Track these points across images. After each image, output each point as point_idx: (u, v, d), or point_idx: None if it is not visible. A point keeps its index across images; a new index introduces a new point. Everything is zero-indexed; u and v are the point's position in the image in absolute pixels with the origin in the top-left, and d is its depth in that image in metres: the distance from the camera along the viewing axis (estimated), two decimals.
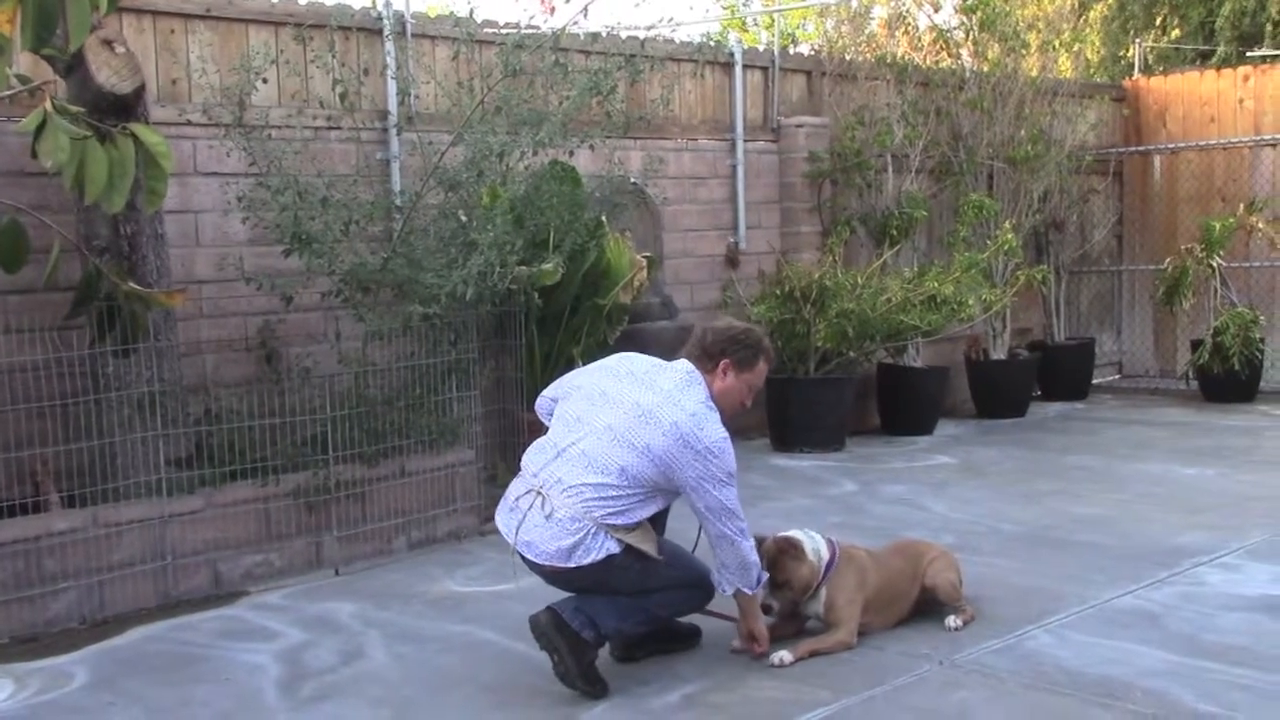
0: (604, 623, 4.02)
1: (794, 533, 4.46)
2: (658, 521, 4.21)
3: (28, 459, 5.16)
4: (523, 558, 4.04)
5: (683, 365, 4.20)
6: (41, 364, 5.10)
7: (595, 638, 4.02)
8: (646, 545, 4.02)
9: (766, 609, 4.39)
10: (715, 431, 4.03)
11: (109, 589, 5.06)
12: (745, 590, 4.18)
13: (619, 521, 3.97)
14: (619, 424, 4.00)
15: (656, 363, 4.25)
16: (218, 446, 5.55)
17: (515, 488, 4.14)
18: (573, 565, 3.95)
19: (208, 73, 6.23)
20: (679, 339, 7.96)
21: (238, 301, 6.35)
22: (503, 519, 4.14)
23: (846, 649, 4.34)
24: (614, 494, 3.96)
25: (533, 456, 4.15)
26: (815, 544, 4.43)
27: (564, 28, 6.92)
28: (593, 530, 3.94)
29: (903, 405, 8.96)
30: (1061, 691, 3.95)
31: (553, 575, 4.06)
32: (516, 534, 4.03)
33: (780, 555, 4.36)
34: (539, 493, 4.01)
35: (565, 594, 4.11)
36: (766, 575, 4.27)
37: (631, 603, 4.07)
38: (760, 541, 4.38)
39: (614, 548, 3.96)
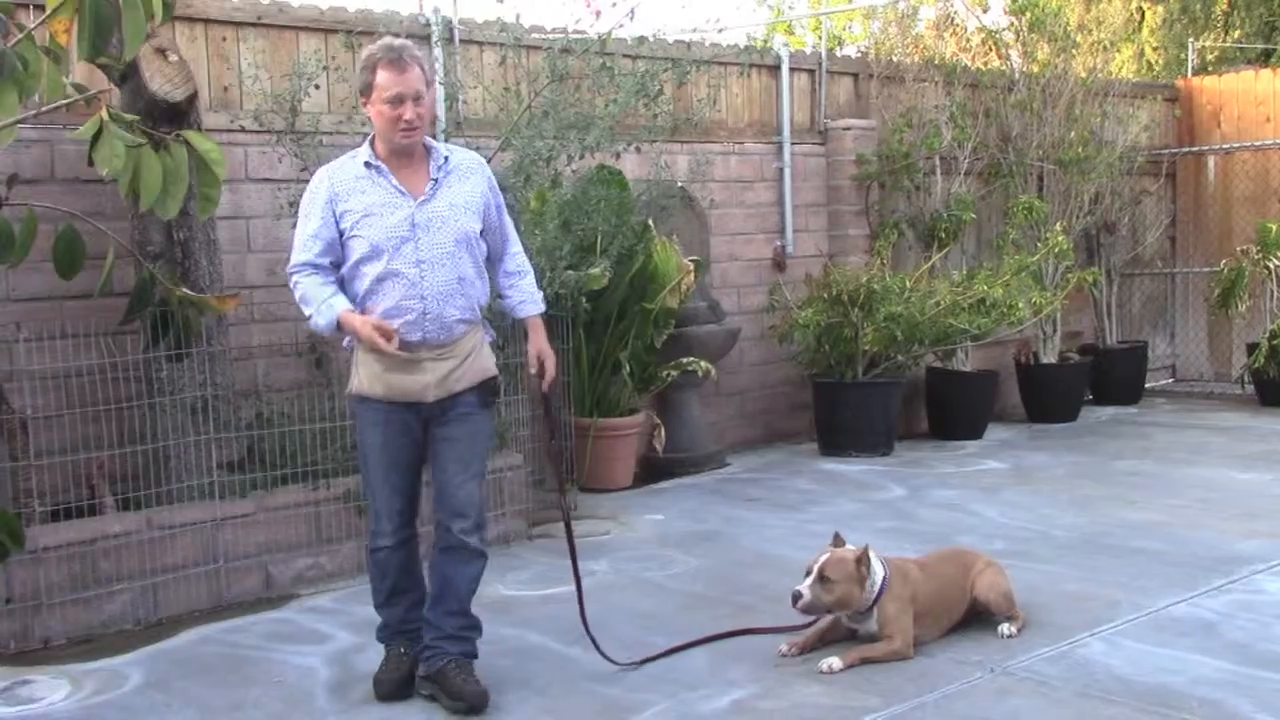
0: None
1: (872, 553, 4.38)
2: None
3: (83, 462, 5.24)
4: None
5: None
6: (96, 369, 5.19)
7: None
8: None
9: (796, 596, 4.27)
10: None
11: (163, 591, 5.12)
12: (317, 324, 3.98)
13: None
14: None
15: None
16: (269, 450, 5.60)
17: None
18: None
19: (259, 79, 6.29)
20: (727, 343, 7.98)
21: (288, 307, 6.33)
22: None
23: (901, 659, 4.28)
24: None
25: None
26: (875, 569, 4.33)
27: (609, 31, 6.93)
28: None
29: (952, 409, 8.89)
30: (1115, 700, 3.90)
31: None
32: None
33: (847, 558, 4.25)
34: None
35: None
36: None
37: None
38: (836, 539, 4.43)
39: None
